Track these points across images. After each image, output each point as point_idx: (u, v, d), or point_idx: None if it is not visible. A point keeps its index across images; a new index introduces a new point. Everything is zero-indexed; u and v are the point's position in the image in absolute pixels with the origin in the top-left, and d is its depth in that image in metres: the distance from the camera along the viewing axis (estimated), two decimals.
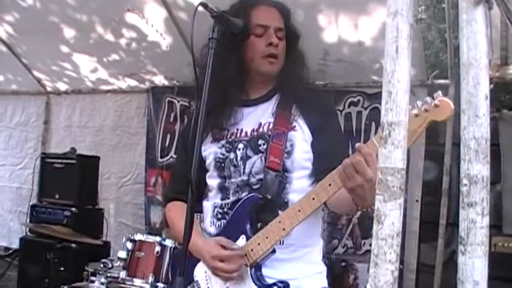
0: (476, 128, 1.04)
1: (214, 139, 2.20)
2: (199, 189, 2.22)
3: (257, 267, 2.02)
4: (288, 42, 2.20)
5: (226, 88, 2.15)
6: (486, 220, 1.03)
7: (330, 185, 1.84)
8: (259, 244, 1.99)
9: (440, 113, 1.62)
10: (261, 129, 2.15)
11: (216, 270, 2.02)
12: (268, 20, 2.16)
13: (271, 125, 2.13)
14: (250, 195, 2.08)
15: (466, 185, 1.03)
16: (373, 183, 1.25)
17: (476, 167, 1.03)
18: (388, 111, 1.04)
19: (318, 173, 2.06)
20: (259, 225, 2.06)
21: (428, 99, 1.65)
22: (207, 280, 2.09)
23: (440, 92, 1.64)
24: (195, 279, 2.12)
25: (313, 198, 1.89)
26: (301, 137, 2.11)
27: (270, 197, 2.05)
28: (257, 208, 2.07)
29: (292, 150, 2.09)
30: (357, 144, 1.70)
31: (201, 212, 2.31)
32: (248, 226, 2.04)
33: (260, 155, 2.11)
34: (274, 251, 2.00)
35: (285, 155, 2.08)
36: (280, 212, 2.03)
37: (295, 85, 2.14)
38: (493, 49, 3.79)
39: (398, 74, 1.04)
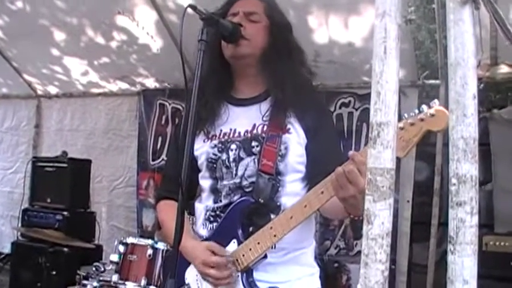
0: (465, 127, 1.04)
1: (207, 138, 2.17)
2: (191, 189, 2.20)
3: (248, 272, 2.01)
4: (273, 30, 2.14)
5: (217, 87, 2.15)
6: (475, 219, 1.03)
7: (322, 192, 1.82)
8: (250, 249, 1.97)
9: (436, 123, 1.59)
10: (254, 131, 2.11)
11: (206, 276, 2.00)
12: (239, 7, 2.14)
13: (265, 127, 2.10)
14: (242, 198, 2.05)
15: (454, 184, 1.03)
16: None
17: (464, 167, 1.03)
18: (377, 111, 1.04)
19: (311, 177, 2.05)
20: (250, 229, 2.04)
21: (424, 107, 1.62)
22: (198, 283, 2.08)
23: (436, 101, 1.62)
24: (186, 282, 2.10)
25: (306, 206, 1.87)
26: (295, 140, 2.08)
27: (262, 201, 2.03)
28: (249, 212, 2.05)
29: (287, 154, 2.07)
30: (350, 152, 1.69)
31: (193, 214, 2.30)
32: (240, 231, 2.03)
33: (253, 157, 2.08)
34: (265, 256, 1.99)
35: (279, 158, 2.05)
36: (272, 216, 2.02)
37: (290, 86, 2.09)
38: (483, 49, 3.81)
39: (386, 75, 1.04)
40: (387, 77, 1.04)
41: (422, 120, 1.62)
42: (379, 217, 1.02)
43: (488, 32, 3.70)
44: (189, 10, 1.78)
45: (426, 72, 4.69)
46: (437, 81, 4.52)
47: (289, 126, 2.09)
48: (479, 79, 4.42)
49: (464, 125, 1.04)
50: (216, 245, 2.02)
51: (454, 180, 1.04)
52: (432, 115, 1.60)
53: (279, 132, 2.07)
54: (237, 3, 2.17)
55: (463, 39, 1.05)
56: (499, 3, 1.16)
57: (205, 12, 1.85)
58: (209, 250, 2.00)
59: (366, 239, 1.03)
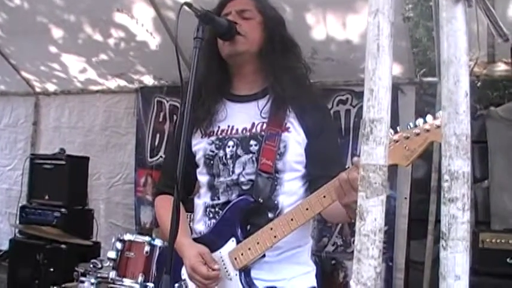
0: (457, 124, 1.05)
1: (205, 134, 2.18)
2: (188, 185, 2.24)
3: (246, 271, 2.02)
4: (267, 25, 2.16)
5: (215, 86, 2.16)
6: (467, 215, 1.04)
7: (324, 196, 1.84)
8: (249, 249, 1.98)
9: (441, 134, 1.62)
10: (253, 130, 2.12)
11: (192, 278, 2.02)
12: (231, 7, 2.16)
13: (264, 125, 2.10)
14: (242, 197, 2.06)
15: (447, 180, 1.04)
16: None
17: (457, 163, 1.04)
18: (370, 108, 1.05)
19: (312, 178, 2.07)
20: (249, 228, 2.05)
21: (430, 118, 1.65)
22: None
23: (441, 113, 1.63)
24: (183, 277, 2.11)
25: (307, 209, 1.89)
26: (294, 139, 2.08)
27: (261, 200, 2.03)
28: (247, 211, 2.05)
29: (285, 152, 2.07)
30: (355, 159, 1.70)
31: (193, 211, 2.30)
32: (239, 230, 2.03)
33: (251, 155, 2.08)
34: (264, 256, 2.00)
35: (277, 156, 2.06)
36: (270, 214, 2.03)
37: (289, 81, 2.09)
38: (480, 46, 3.81)
39: (379, 72, 1.05)
40: (380, 74, 1.05)
41: (427, 131, 1.64)
42: (372, 213, 1.03)
43: (485, 30, 3.70)
44: (185, 8, 1.78)
45: (424, 70, 4.69)
46: (435, 79, 4.52)
47: (288, 124, 2.10)
48: (477, 76, 4.44)
49: (456, 122, 1.05)
50: (208, 255, 2.02)
51: (446, 177, 1.05)
52: (438, 126, 1.61)
53: (279, 131, 2.08)
54: (228, 4, 2.19)
55: (456, 37, 1.06)
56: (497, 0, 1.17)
57: (201, 9, 1.86)
58: (200, 258, 2.01)
59: (359, 235, 1.04)
